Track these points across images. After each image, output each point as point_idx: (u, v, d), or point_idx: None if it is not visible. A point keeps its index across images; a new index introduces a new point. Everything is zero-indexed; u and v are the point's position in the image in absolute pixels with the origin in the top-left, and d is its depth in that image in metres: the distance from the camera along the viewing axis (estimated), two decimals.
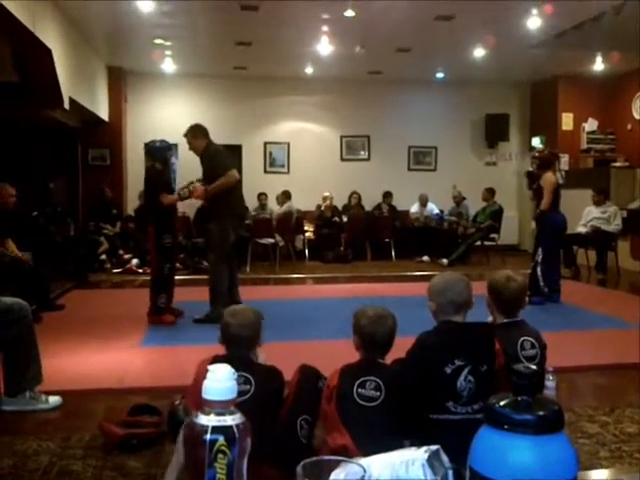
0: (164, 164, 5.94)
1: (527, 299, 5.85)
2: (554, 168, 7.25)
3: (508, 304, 2.79)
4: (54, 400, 3.52)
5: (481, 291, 2.85)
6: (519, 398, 0.72)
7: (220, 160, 5.79)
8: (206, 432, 0.78)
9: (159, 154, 5.89)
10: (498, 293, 2.79)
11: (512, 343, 2.62)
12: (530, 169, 7.83)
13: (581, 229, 8.72)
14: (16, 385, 3.43)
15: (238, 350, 2.49)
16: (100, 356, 4.57)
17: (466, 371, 2.18)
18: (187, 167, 11.61)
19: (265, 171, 11.86)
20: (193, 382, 2.47)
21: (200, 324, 5.52)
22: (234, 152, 9.53)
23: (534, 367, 0.74)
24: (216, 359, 2.46)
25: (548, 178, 6.74)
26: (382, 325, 2.42)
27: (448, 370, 2.19)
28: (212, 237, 5.82)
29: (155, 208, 5.72)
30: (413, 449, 1.00)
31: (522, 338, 2.68)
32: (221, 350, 2.59)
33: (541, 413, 0.70)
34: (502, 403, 0.72)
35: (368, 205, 11.56)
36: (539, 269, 6.66)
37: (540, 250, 6.73)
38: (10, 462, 2.77)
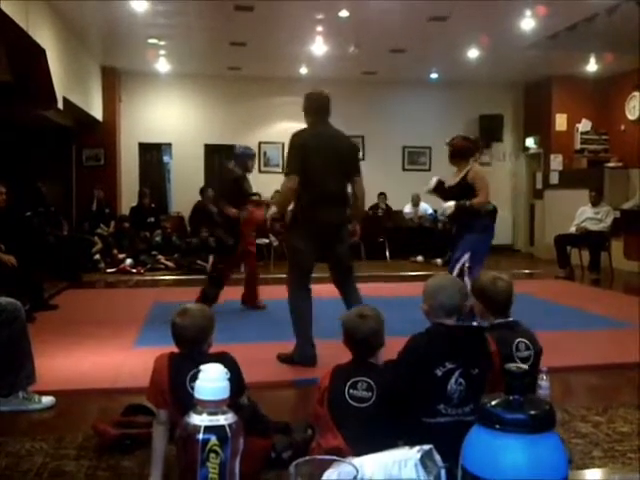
0: (244, 170, 6.09)
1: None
2: (476, 159, 5.54)
3: (499, 305, 2.79)
4: (47, 400, 3.51)
5: None
6: (511, 398, 0.72)
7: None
8: (198, 432, 0.78)
9: (239, 159, 6.10)
10: (489, 296, 2.77)
11: (507, 344, 2.61)
12: (431, 186, 5.44)
13: (574, 229, 8.75)
14: (9, 385, 3.41)
15: (188, 347, 2.49)
16: (94, 356, 4.55)
17: (457, 374, 2.16)
18: (181, 166, 11.71)
19: (260, 171, 11.84)
20: (151, 379, 2.48)
21: None
22: (228, 152, 9.48)
23: (525, 367, 0.75)
24: (172, 356, 2.49)
25: (478, 171, 5.10)
26: (362, 324, 2.40)
27: (439, 373, 2.17)
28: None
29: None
30: (406, 449, 1.00)
31: (517, 339, 2.67)
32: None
33: (532, 412, 0.70)
34: (494, 403, 0.72)
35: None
36: (467, 278, 4.63)
37: (467, 256, 4.91)
38: (3, 463, 2.76)
